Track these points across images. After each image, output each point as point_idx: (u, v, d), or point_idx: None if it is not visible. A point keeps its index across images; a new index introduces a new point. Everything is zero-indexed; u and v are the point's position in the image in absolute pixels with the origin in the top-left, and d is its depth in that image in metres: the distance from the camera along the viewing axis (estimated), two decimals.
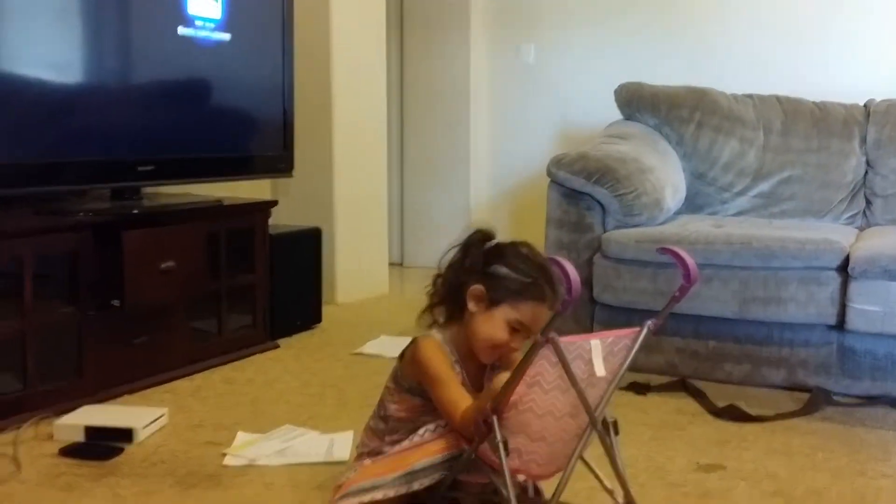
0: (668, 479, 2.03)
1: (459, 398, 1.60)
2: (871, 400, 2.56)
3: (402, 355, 1.73)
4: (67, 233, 2.44)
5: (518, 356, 1.63)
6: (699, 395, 2.60)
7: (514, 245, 1.70)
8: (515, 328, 1.63)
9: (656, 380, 2.73)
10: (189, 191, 3.08)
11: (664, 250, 1.58)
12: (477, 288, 1.65)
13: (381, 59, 4.03)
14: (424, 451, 1.61)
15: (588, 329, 2.86)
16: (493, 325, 1.64)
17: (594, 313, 2.95)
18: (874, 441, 2.27)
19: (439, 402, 1.62)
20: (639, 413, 2.48)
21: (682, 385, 2.70)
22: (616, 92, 3.64)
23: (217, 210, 2.94)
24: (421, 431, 1.65)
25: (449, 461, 1.59)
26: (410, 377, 1.69)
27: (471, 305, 1.66)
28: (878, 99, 3.37)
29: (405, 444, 1.66)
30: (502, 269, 1.64)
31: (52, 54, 2.46)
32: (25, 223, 2.39)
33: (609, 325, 2.73)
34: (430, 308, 1.74)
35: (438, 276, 1.74)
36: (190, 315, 2.85)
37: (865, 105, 3.36)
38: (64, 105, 2.50)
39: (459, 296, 1.67)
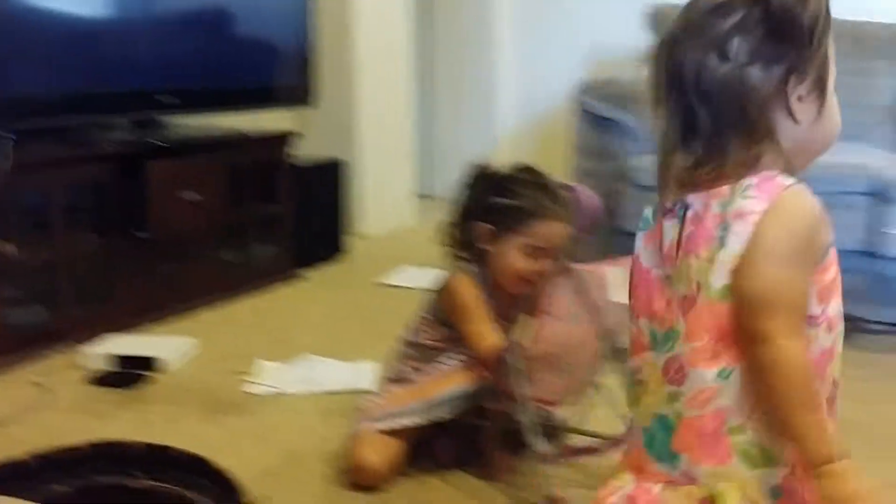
0: None
1: (484, 331, 1.61)
2: None
3: (436, 287, 1.74)
4: (93, 164, 2.44)
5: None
6: None
7: (509, 172, 1.69)
8: (532, 253, 1.61)
9: None
10: (213, 123, 3.06)
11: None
12: (480, 226, 1.66)
13: None
14: (449, 381, 1.64)
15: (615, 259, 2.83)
16: (508, 257, 1.64)
17: (622, 244, 2.92)
18: None
19: (465, 335, 1.64)
20: None
21: None
22: (646, 14, 3.53)
23: (238, 141, 2.92)
24: (447, 362, 1.67)
25: (473, 391, 1.61)
26: (443, 309, 1.71)
27: (483, 245, 1.66)
28: None
29: (431, 373, 1.68)
30: (500, 200, 1.64)
31: None
32: (52, 154, 2.39)
33: None
34: (451, 256, 1.74)
35: (448, 223, 1.73)
36: (216, 246, 2.87)
37: None
38: (85, 37, 2.49)
39: (471, 239, 1.68)
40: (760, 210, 0.87)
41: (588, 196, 1.34)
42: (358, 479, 1.63)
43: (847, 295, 2.84)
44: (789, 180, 0.90)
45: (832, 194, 2.50)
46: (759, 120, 0.89)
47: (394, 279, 3.09)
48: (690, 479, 0.89)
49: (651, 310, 0.97)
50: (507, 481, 1.64)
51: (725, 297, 0.87)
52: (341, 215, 3.44)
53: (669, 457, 0.90)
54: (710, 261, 0.88)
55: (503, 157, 4.54)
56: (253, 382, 2.12)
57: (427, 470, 1.68)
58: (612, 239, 2.92)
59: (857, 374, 2.18)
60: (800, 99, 0.92)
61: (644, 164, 2.84)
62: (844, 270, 2.79)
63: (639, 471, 0.96)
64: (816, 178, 2.65)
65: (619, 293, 1.47)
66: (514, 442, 1.72)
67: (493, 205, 1.65)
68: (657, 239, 0.97)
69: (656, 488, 0.92)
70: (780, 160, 0.92)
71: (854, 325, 2.48)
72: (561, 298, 1.44)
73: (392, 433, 1.64)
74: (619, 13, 4.09)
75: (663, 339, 0.94)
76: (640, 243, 0.99)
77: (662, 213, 0.97)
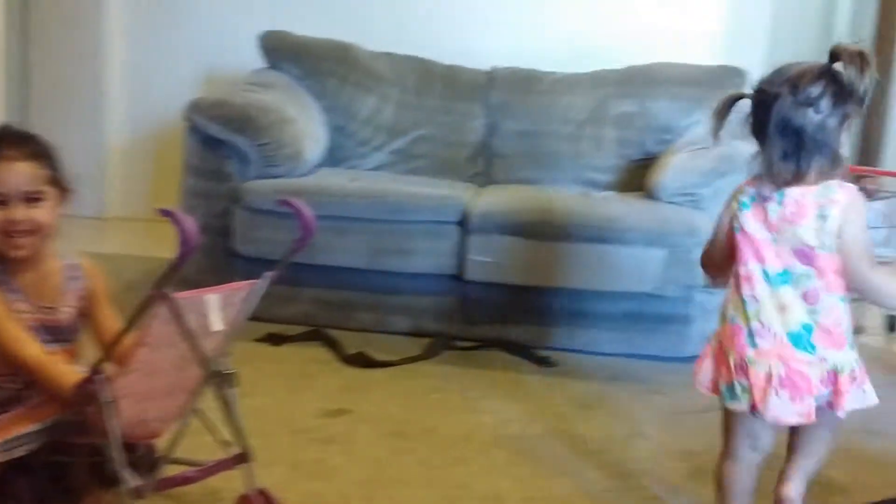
0: (296, 426, 2.09)
1: (21, 334, 1.52)
2: (485, 343, 2.80)
3: None
4: None
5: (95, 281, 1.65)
6: (332, 344, 2.69)
7: None
8: None
9: (293, 330, 2.77)
10: None
11: (283, 202, 1.60)
12: None
13: None
14: (30, 416, 1.52)
15: (229, 281, 2.80)
16: None
17: (235, 265, 2.91)
18: (484, 380, 2.51)
19: (21, 365, 1.53)
20: (274, 364, 2.51)
21: (316, 334, 2.76)
22: (260, 39, 3.58)
23: None
24: (20, 397, 1.55)
25: (54, 426, 1.51)
26: None
27: None
28: (502, 65, 3.64)
29: (5, 410, 1.54)
30: None
31: None
32: None
33: (250, 276, 2.64)
34: None
35: None
36: None
37: (490, 71, 3.62)
38: None
39: None
40: (845, 202, 1.47)
41: (189, 222, 1.31)
42: None
43: (439, 315, 3.09)
44: (853, 185, 1.51)
45: (428, 223, 2.77)
46: (836, 148, 1.49)
47: None
48: (822, 360, 1.49)
49: (762, 257, 1.51)
50: None
51: (834, 250, 1.47)
52: None
53: (811, 348, 1.49)
54: (817, 229, 1.47)
55: (114, 172, 4.32)
56: None
57: None
58: (225, 260, 2.90)
59: (441, 387, 2.41)
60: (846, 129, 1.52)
61: (254, 187, 2.87)
62: (437, 293, 3.04)
63: (783, 358, 1.49)
64: (414, 209, 2.89)
65: (218, 320, 1.47)
66: (104, 476, 1.63)
67: None
68: (761, 215, 1.51)
69: (799, 366, 1.49)
70: (841, 171, 1.52)
71: (444, 343, 2.74)
72: (157, 326, 1.39)
73: None
74: (235, 36, 4.10)
75: (778, 276, 1.50)
76: (744, 219, 1.53)
77: (762, 199, 1.51)
